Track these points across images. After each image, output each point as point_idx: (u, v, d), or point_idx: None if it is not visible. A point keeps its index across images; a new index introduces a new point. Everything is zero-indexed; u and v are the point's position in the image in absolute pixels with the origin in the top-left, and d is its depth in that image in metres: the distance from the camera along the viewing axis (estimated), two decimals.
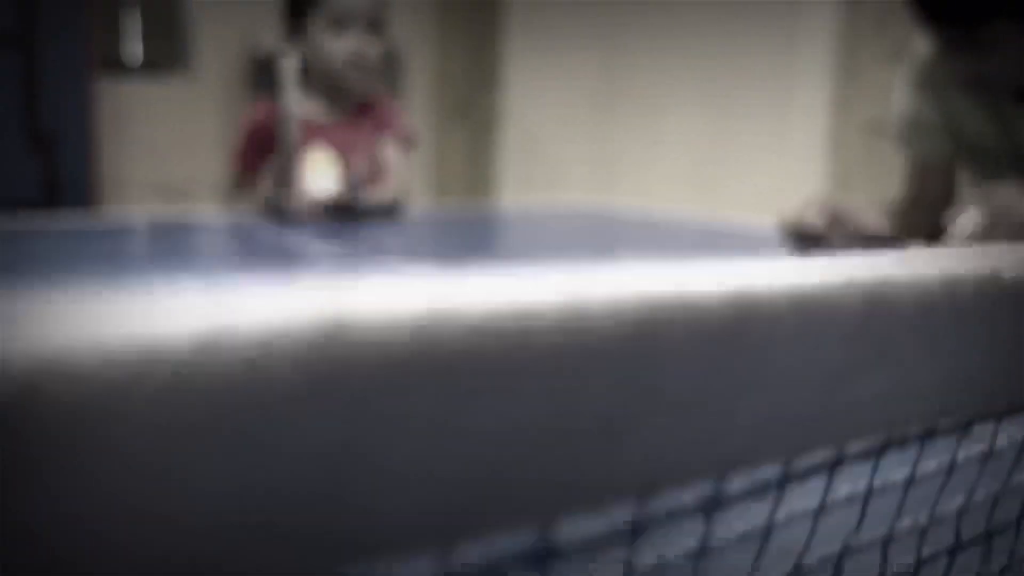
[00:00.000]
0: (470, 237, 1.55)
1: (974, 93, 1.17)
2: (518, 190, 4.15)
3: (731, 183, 3.16)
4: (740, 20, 3.06)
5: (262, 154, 1.52)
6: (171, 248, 1.21)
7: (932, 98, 1.25)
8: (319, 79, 1.55)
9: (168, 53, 5.11)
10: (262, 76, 4.92)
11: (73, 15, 2.95)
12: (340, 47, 1.52)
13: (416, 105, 5.20)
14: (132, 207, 3.85)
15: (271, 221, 1.35)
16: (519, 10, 4.06)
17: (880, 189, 2.88)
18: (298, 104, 1.34)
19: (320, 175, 1.48)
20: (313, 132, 1.50)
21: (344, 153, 1.54)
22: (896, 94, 1.35)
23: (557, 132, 3.93)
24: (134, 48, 5.02)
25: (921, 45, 1.25)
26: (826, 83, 2.95)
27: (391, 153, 1.61)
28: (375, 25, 1.55)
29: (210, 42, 5.10)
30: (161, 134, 5.04)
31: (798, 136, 2.96)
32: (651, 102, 3.45)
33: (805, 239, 1.13)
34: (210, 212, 1.59)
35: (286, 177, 1.36)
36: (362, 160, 1.54)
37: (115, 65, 4.91)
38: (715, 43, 3.17)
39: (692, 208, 3.32)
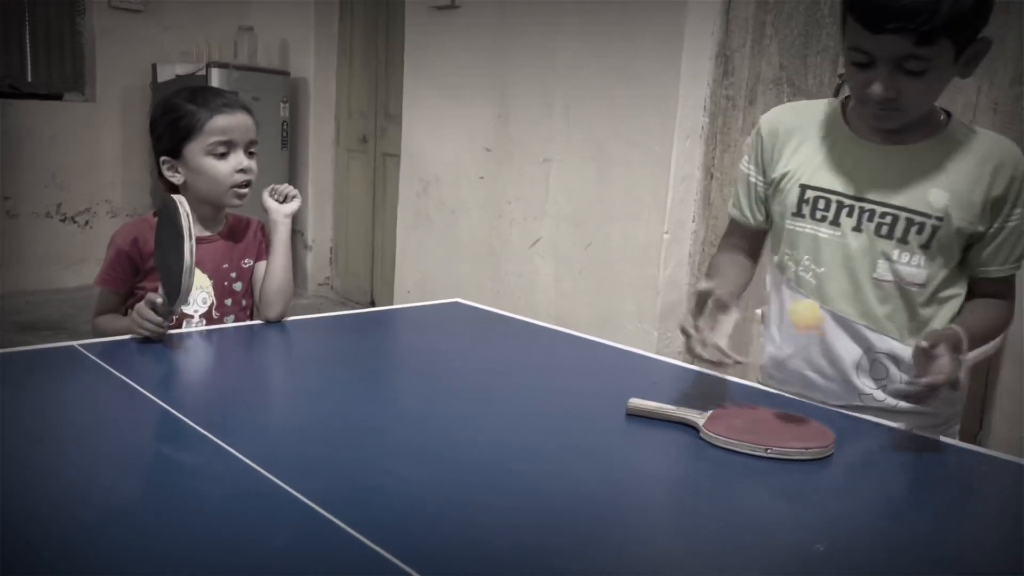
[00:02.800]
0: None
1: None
2: (416, 224, 4.31)
3: (611, 230, 3.40)
4: (627, 87, 3.32)
5: (130, 275, 1.62)
6: None
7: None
8: (203, 199, 1.63)
9: (65, 78, 5.07)
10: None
11: None
12: (224, 170, 1.60)
13: (319, 138, 5.31)
14: None
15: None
16: (416, 54, 4.22)
17: None
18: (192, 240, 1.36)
19: (195, 290, 1.56)
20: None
21: (217, 271, 1.66)
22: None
23: (453, 174, 4.11)
24: (30, 72, 4.96)
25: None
26: (697, 148, 3.24)
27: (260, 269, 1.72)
28: (251, 148, 1.64)
29: (110, 67, 5.09)
30: (58, 157, 4.99)
31: (674, 194, 3.23)
32: (540, 152, 3.67)
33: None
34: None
35: (175, 303, 1.41)
36: (233, 277, 1.68)
37: (10, 89, 4.84)
38: (602, 107, 3.42)
39: (575, 247, 3.55)
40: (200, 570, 0.78)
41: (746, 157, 1.49)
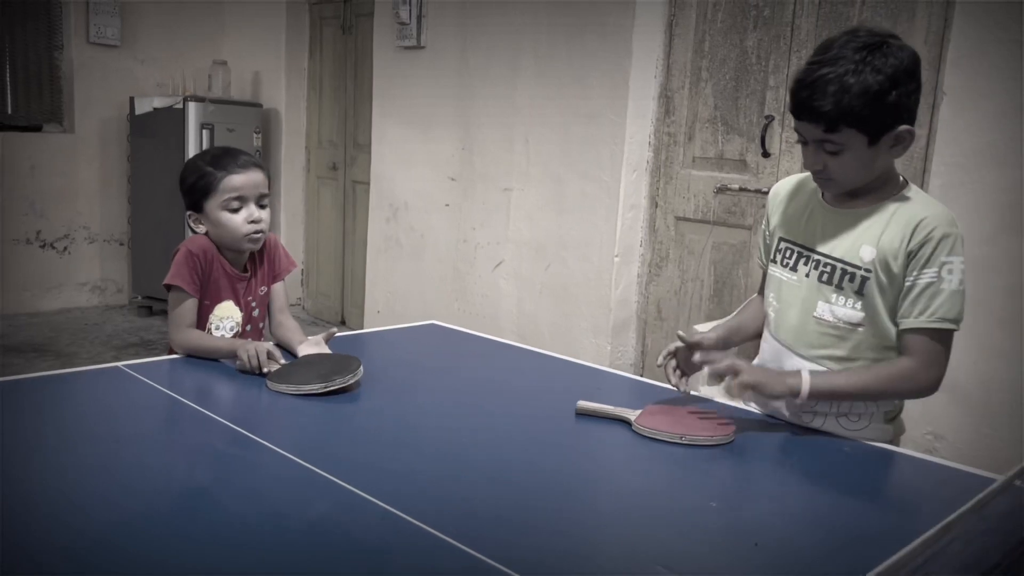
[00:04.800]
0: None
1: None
2: (386, 248, 4.60)
3: (567, 254, 3.73)
4: (580, 125, 3.65)
5: (198, 279, 1.87)
6: None
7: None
8: (225, 246, 1.89)
9: (44, 110, 5.27)
10: (137, 131, 5.17)
11: None
12: (238, 222, 1.85)
13: (290, 166, 5.58)
14: None
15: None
16: (384, 90, 4.52)
17: (684, 266, 3.52)
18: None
19: (225, 319, 1.90)
20: (225, 280, 1.90)
21: (246, 305, 1.93)
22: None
23: (420, 201, 4.40)
24: (10, 105, 5.15)
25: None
26: (643, 180, 3.58)
27: (280, 292, 2.01)
28: (262, 201, 1.90)
29: (87, 100, 5.30)
30: (38, 186, 5.19)
31: (623, 221, 3.57)
32: (501, 182, 3.99)
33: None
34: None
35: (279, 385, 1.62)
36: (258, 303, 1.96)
37: None
38: (558, 142, 3.75)
39: (535, 270, 3.87)
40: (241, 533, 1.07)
41: (764, 217, 1.76)
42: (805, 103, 1.45)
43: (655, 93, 3.52)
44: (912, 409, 1.77)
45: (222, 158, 1.89)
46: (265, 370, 1.66)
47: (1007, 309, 2.59)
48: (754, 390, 1.50)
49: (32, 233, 5.29)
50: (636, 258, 3.64)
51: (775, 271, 1.66)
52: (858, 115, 1.41)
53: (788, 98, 1.53)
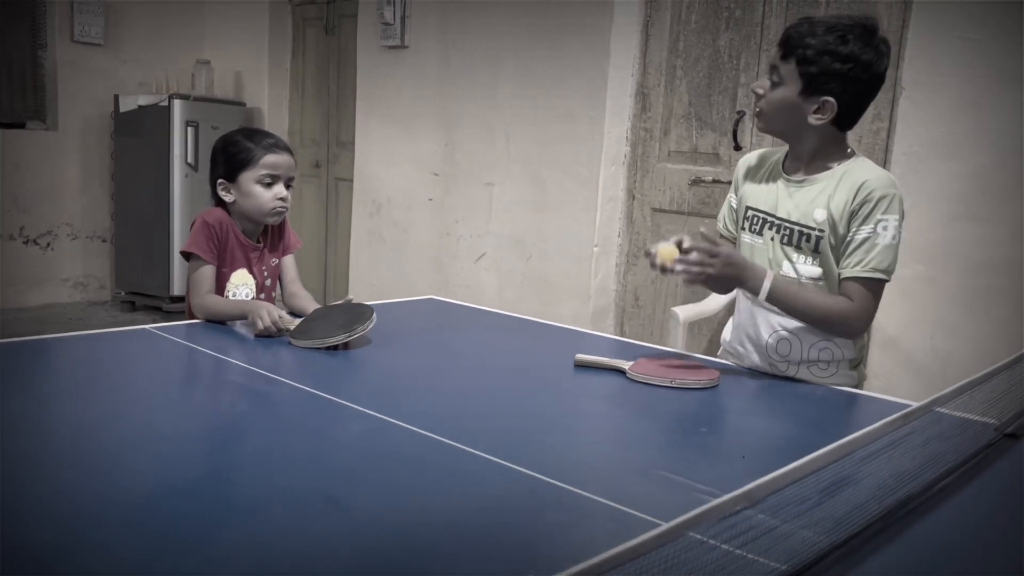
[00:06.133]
0: None
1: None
2: (369, 243, 4.72)
3: (547, 246, 3.89)
4: (560, 121, 3.82)
5: (215, 248, 1.99)
6: None
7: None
8: (247, 216, 2.02)
9: (28, 108, 5.33)
10: (121, 128, 5.25)
11: None
12: (268, 197, 2.00)
13: None
14: None
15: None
16: (368, 89, 4.66)
17: None
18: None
19: (241, 286, 2.03)
20: (239, 250, 2.02)
21: (259, 274, 2.06)
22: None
23: (403, 196, 4.54)
24: None
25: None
26: (621, 174, 3.75)
27: (290, 264, 2.14)
28: (290, 182, 2.05)
29: (71, 98, 5.37)
30: (21, 183, 5.24)
31: (602, 213, 3.73)
32: (483, 177, 4.14)
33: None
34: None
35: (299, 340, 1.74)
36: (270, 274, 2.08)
37: None
38: (539, 138, 3.91)
39: (516, 261, 4.02)
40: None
41: (731, 187, 1.93)
42: (789, 29, 1.68)
43: (632, 91, 3.70)
44: (873, 384, 1.95)
45: (263, 137, 2.03)
46: (283, 328, 1.79)
47: (963, 290, 2.78)
48: (717, 280, 1.62)
49: (15, 229, 5.34)
50: (614, 248, 3.80)
51: (746, 238, 1.81)
52: (807, 57, 1.63)
53: None
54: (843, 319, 1.68)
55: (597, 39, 3.66)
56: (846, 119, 1.70)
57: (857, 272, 1.66)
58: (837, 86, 1.64)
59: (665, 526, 0.71)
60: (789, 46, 1.65)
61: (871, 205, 1.65)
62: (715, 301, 2.99)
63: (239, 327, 1.88)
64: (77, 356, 1.67)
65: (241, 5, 5.61)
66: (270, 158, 2.01)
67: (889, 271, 1.66)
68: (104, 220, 5.64)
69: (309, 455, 1.17)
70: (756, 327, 1.78)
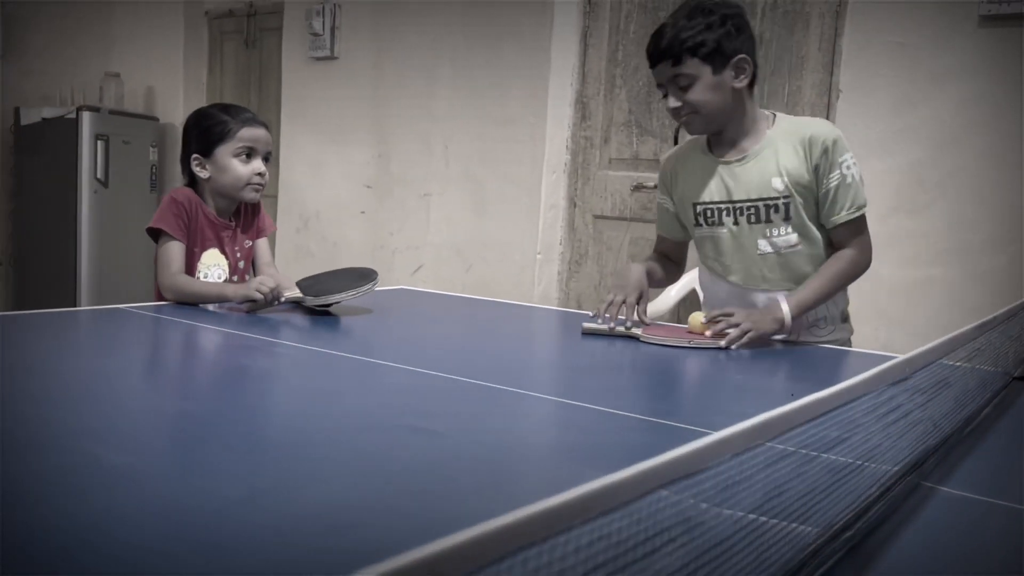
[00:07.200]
0: None
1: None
2: (297, 259, 4.58)
3: (489, 254, 3.87)
4: (500, 129, 3.82)
5: (184, 225, 1.90)
6: None
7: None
8: (223, 193, 1.96)
9: None
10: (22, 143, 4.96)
11: None
12: (246, 171, 1.94)
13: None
14: None
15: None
16: (294, 102, 4.56)
17: (603, 262, 3.73)
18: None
19: (212, 267, 1.94)
20: (210, 229, 1.94)
21: (231, 253, 1.98)
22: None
23: (333, 210, 4.44)
24: None
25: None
26: (562, 181, 3.78)
27: (265, 247, 2.08)
28: (267, 157, 1.99)
29: None
30: None
31: (544, 220, 3.74)
32: (420, 188, 4.10)
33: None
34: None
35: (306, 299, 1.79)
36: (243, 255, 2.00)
37: None
38: (478, 147, 3.90)
39: (456, 271, 3.98)
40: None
41: (659, 191, 1.96)
42: (653, 49, 1.71)
43: (572, 99, 3.75)
44: None
45: (239, 111, 1.96)
46: (283, 298, 1.72)
47: (901, 281, 2.92)
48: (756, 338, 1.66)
49: None
50: (556, 256, 3.82)
51: (704, 232, 1.83)
52: (697, 44, 1.66)
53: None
54: (856, 266, 1.76)
55: (537, 44, 3.70)
56: (755, 73, 1.75)
57: (845, 216, 1.74)
58: (735, 43, 1.70)
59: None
60: (674, 51, 1.67)
61: (829, 154, 1.72)
62: (663, 302, 3.03)
63: (211, 308, 1.78)
64: (82, 333, 1.53)
65: (152, 17, 5.42)
66: (247, 131, 1.94)
67: (865, 202, 1.76)
68: (1, 242, 5.28)
69: (366, 402, 1.11)
70: (754, 304, 1.80)
